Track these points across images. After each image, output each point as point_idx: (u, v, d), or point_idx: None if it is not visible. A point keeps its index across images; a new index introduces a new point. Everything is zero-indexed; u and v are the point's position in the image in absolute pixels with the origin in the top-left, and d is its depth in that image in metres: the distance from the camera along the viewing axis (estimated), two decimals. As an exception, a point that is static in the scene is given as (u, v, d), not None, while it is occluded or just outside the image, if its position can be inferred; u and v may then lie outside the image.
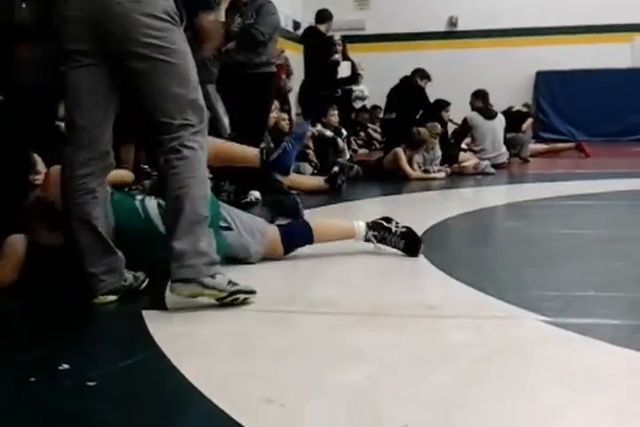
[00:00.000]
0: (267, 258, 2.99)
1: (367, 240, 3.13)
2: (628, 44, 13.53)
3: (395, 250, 3.14)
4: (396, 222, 3.16)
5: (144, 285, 2.55)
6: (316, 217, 3.43)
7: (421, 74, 8.31)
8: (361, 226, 3.13)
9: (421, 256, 3.11)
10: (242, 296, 2.33)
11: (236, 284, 2.33)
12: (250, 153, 3.16)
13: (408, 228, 3.16)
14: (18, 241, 2.71)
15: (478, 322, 2.17)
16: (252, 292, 2.36)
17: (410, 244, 3.13)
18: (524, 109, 10.92)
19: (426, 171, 7.15)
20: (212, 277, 2.30)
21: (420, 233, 3.43)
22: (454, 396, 1.60)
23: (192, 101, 2.34)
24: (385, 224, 3.14)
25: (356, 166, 6.87)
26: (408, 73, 8.51)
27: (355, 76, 9.18)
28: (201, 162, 2.35)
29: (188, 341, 2.05)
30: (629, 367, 1.77)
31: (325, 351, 1.93)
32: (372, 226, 3.14)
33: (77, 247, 2.41)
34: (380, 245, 3.14)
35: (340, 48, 8.66)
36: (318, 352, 1.93)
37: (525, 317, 2.19)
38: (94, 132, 2.39)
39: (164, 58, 2.28)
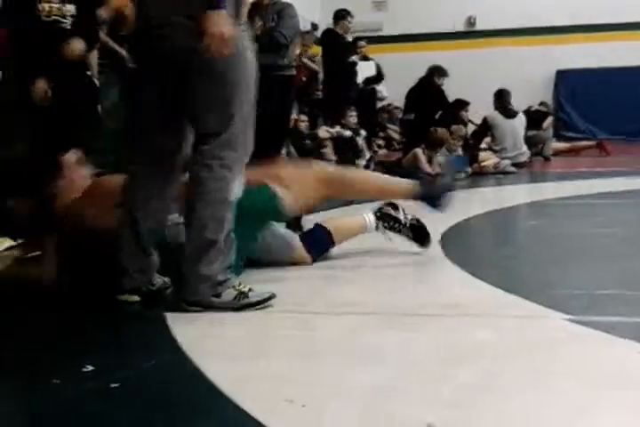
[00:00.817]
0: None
1: (377, 230, 3.14)
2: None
3: (404, 239, 3.15)
4: (404, 211, 3.16)
5: (169, 290, 2.55)
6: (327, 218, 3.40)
7: (438, 72, 8.28)
8: (371, 218, 3.14)
9: (443, 255, 3.11)
10: (248, 309, 2.31)
11: (246, 296, 2.31)
12: (402, 184, 3.12)
13: (418, 219, 3.15)
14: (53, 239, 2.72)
15: (501, 321, 2.15)
16: (263, 301, 2.33)
17: (419, 236, 3.14)
18: (543, 109, 10.87)
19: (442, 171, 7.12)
20: (218, 295, 2.30)
21: (441, 232, 3.43)
22: (476, 395, 1.58)
23: (219, 106, 2.27)
24: (393, 214, 3.15)
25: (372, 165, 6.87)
26: (431, 66, 8.46)
27: (380, 75, 9.19)
28: (218, 180, 2.27)
29: (210, 343, 2.06)
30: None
31: (347, 352, 1.92)
32: (381, 216, 3.14)
33: (118, 239, 2.43)
34: (389, 235, 3.15)
35: (364, 49, 8.68)
36: (340, 353, 1.92)
37: (549, 315, 2.17)
38: (140, 135, 2.43)
39: (202, 60, 2.22)
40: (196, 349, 1.95)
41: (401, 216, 3.14)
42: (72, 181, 2.76)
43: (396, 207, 3.16)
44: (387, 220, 3.13)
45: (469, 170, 7.32)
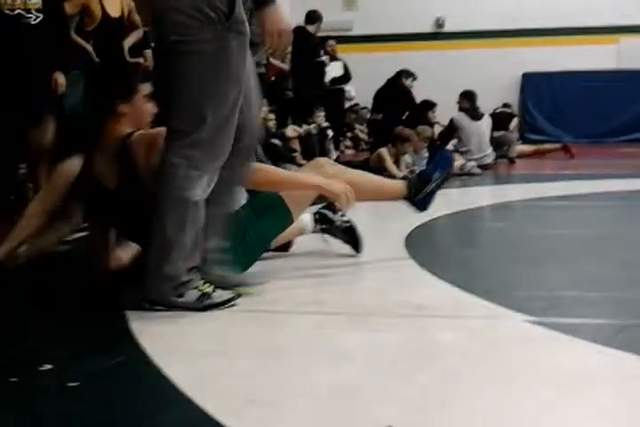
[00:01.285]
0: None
1: (314, 232, 3.15)
2: (613, 46, 13.59)
3: (339, 242, 3.17)
4: (341, 214, 3.16)
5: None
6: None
7: (406, 74, 8.37)
8: (308, 220, 3.12)
9: (408, 256, 3.12)
10: (212, 310, 2.28)
11: (209, 296, 2.29)
12: (394, 186, 3.11)
13: (350, 223, 3.15)
14: (69, 166, 2.62)
15: (464, 322, 2.16)
16: (227, 301, 2.32)
17: (351, 239, 3.15)
18: (508, 110, 10.96)
19: (412, 172, 7.15)
20: (181, 295, 2.28)
21: (406, 233, 3.44)
22: (439, 396, 1.59)
23: (192, 105, 2.24)
24: (329, 216, 3.15)
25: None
26: (399, 70, 8.55)
27: (347, 76, 9.21)
28: (180, 179, 2.24)
29: (172, 341, 2.04)
30: (614, 367, 1.77)
31: (311, 351, 1.92)
32: (319, 219, 3.14)
33: None
34: (326, 237, 3.17)
35: (333, 49, 8.70)
36: (304, 352, 1.92)
37: (511, 316, 2.19)
38: None
39: (183, 57, 2.22)
40: (158, 347, 1.94)
41: (337, 219, 3.14)
42: (139, 110, 2.64)
43: (333, 210, 3.16)
44: (323, 222, 3.14)
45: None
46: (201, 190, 2.28)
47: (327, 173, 2.87)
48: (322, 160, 3.09)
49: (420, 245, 3.32)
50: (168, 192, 2.27)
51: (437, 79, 11.83)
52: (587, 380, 1.68)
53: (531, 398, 1.56)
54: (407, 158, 7.20)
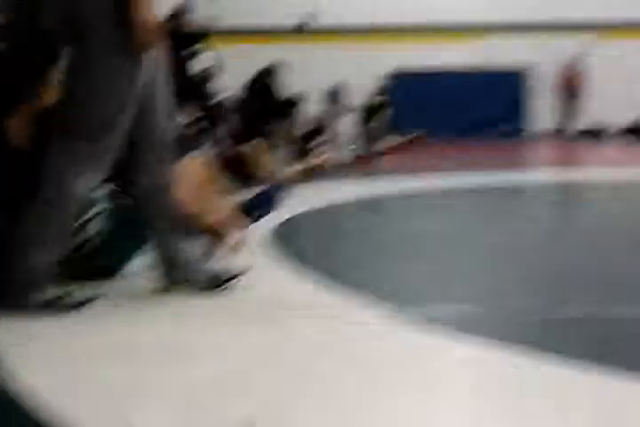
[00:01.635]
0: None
1: None
2: (474, 46, 14.15)
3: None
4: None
5: None
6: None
7: (273, 70, 8.45)
8: None
9: (270, 253, 3.15)
10: (68, 311, 2.23)
11: (65, 298, 2.25)
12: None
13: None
14: None
15: (327, 319, 2.19)
16: (84, 303, 2.27)
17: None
18: (380, 99, 11.13)
19: (281, 168, 7.22)
20: (36, 296, 2.22)
21: (270, 229, 3.49)
22: (298, 391, 1.62)
23: (83, 100, 2.25)
24: None
25: None
26: (263, 67, 8.61)
27: (215, 69, 9.17)
28: (59, 174, 2.23)
29: (23, 346, 1.96)
30: (471, 356, 1.84)
31: (162, 351, 1.91)
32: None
33: None
34: None
35: (203, 42, 8.63)
36: (163, 353, 1.90)
37: (364, 312, 2.25)
38: None
39: (80, 56, 2.25)
40: (8, 354, 1.86)
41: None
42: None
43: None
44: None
45: (300, 167, 7.43)
46: (78, 187, 2.25)
47: (192, 180, 2.92)
48: (190, 164, 3.10)
49: (283, 241, 3.35)
50: (42, 184, 2.23)
51: (307, 74, 11.94)
52: (452, 372, 1.74)
53: (398, 394, 1.60)
54: (274, 153, 7.27)
